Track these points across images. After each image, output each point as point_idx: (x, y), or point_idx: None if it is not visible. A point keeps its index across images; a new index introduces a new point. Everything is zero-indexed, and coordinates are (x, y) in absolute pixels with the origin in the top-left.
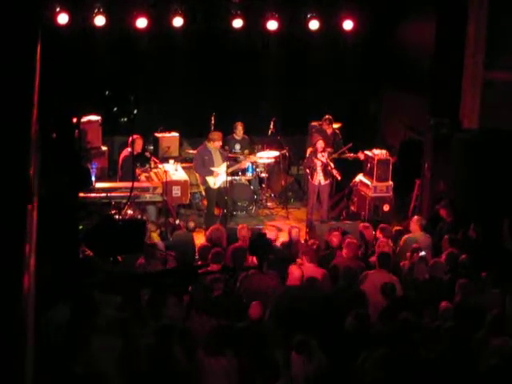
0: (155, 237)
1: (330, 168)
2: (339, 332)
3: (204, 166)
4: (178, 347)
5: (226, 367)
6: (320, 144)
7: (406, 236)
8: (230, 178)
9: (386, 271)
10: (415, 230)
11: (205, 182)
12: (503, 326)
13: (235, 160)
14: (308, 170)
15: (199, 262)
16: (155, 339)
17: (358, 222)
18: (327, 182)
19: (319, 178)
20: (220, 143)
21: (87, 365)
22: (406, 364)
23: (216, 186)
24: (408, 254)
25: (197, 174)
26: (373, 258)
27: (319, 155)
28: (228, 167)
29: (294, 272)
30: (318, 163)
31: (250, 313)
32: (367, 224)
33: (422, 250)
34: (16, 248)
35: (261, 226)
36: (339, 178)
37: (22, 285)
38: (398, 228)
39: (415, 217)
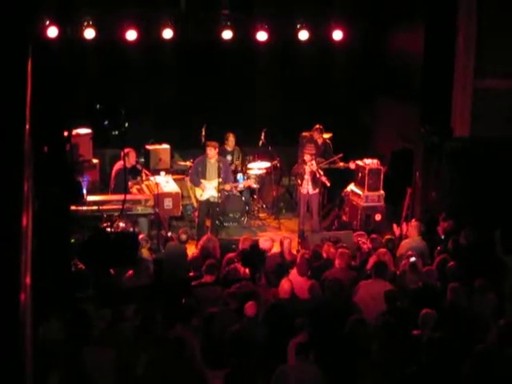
0: (145, 252)
1: (318, 175)
2: (327, 343)
3: (196, 176)
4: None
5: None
6: (310, 151)
7: (404, 242)
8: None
9: (383, 280)
10: (413, 235)
11: (193, 191)
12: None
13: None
14: (299, 180)
15: (191, 274)
16: (164, 352)
17: (351, 232)
18: (316, 191)
19: (308, 186)
20: (216, 152)
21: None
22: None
23: (202, 198)
24: (404, 261)
25: (189, 184)
26: (367, 267)
27: (308, 163)
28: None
29: (284, 285)
30: (307, 170)
31: (245, 311)
32: (363, 232)
33: (412, 256)
34: (12, 264)
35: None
36: (328, 185)
37: (19, 301)
38: (388, 237)
39: (414, 222)
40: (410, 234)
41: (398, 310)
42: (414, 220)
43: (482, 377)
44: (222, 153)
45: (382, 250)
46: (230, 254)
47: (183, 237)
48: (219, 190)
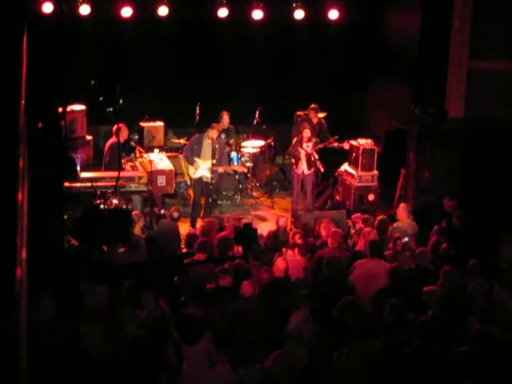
0: (138, 229)
1: (313, 159)
2: (327, 322)
3: (191, 154)
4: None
5: (203, 353)
6: (306, 133)
7: (394, 225)
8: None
9: (379, 259)
10: (403, 217)
11: (187, 168)
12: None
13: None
14: (293, 159)
15: (184, 250)
16: (146, 332)
17: (344, 211)
18: (311, 171)
19: (303, 167)
20: (217, 136)
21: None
22: (390, 356)
23: (195, 176)
24: (390, 244)
25: (183, 161)
26: (356, 247)
27: (304, 145)
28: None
29: (279, 264)
30: (303, 152)
31: (242, 291)
32: (359, 214)
33: (404, 237)
34: (8, 240)
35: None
36: (322, 170)
37: (15, 277)
38: (381, 217)
39: (402, 204)
40: (399, 217)
41: (400, 288)
42: (402, 202)
43: (476, 360)
44: None
45: (367, 229)
46: (222, 233)
47: (175, 214)
48: (212, 171)
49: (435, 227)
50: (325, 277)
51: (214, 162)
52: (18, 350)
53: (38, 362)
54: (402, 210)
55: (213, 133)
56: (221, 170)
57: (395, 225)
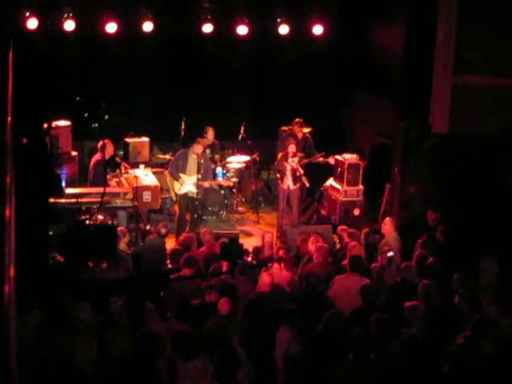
0: (123, 245)
1: (299, 174)
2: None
3: (176, 170)
4: (161, 359)
5: (200, 370)
6: (291, 148)
7: (382, 241)
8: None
9: (358, 274)
10: (388, 231)
11: (172, 184)
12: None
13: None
14: (278, 174)
15: (170, 266)
16: (137, 348)
17: (329, 226)
18: (296, 186)
19: (288, 182)
20: (202, 151)
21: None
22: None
23: (180, 192)
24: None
25: (168, 177)
26: (344, 262)
27: (289, 160)
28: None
29: (264, 279)
30: (288, 167)
31: (219, 308)
32: (345, 227)
33: (390, 251)
34: None
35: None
36: (308, 185)
37: (3, 293)
38: (366, 230)
39: (387, 218)
40: (385, 231)
41: (374, 305)
42: (387, 217)
43: (460, 373)
44: None
45: (352, 243)
46: (202, 248)
47: (163, 231)
48: (198, 187)
49: (418, 241)
50: (303, 292)
51: (200, 176)
52: (8, 364)
53: (27, 377)
54: (388, 225)
55: (198, 148)
56: (206, 184)
57: (384, 241)
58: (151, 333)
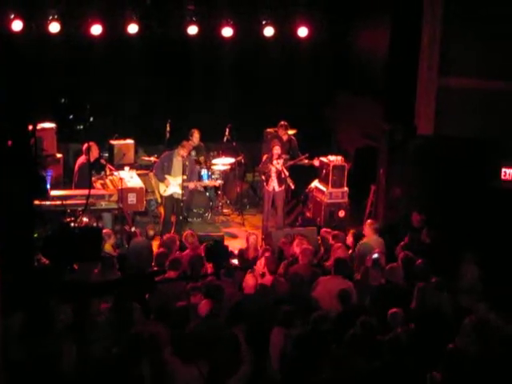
0: (108, 247)
1: (284, 176)
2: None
3: (161, 172)
4: (145, 359)
5: (197, 374)
6: (276, 150)
7: (360, 242)
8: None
9: (342, 277)
10: (369, 234)
11: (157, 186)
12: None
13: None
14: (263, 176)
15: (155, 268)
16: (123, 349)
17: (314, 228)
18: (281, 188)
19: (274, 184)
20: (187, 154)
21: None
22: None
23: (165, 194)
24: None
25: (153, 179)
26: (328, 263)
27: (274, 162)
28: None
29: (249, 281)
30: (273, 169)
31: (199, 310)
32: (329, 229)
33: (374, 253)
34: None
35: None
36: (293, 187)
37: None
38: (353, 231)
39: (368, 221)
40: (366, 233)
41: (353, 310)
42: (369, 219)
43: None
44: None
45: (337, 244)
46: (186, 251)
47: (151, 233)
48: (183, 188)
49: (400, 243)
50: (288, 293)
51: (185, 177)
52: None
53: (10, 379)
54: (368, 227)
55: (183, 151)
56: (191, 185)
57: (362, 241)
58: (137, 334)
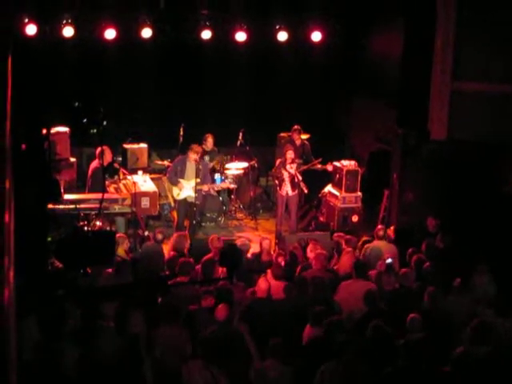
0: (121, 251)
1: (297, 180)
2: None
3: (175, 175)
4: (147, 359)
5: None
6: (290, 154)
7: (369, 245)
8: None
9: (363, 280)
10: (377, 238)
11: (171, 190)
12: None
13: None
14: (276, 181)
15: (167, 273)
16: (123, 351)
17: (328, 233)
18: (295, 192)
19: (287, 188)
20: (198, 157)
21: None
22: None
23: (179, 198)
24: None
25: (167, 183)
26: (336, 267)
27: (288, 166)
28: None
29: (261, 284)
30: (286, 174)
31: (216, 315)
32: (342, 234)
33: (388, 258)
34: None
35: (233, 238)
36: (306, 192)
37: (3, 297)
38: (365, 238)
39: (379, 226)
40: (376, 238)
41: (379, 311)
42: (379, 224)
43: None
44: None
45: (347, 249)
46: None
47: (159, 236)
48: (196, 191)
49: (415, 247)
50: (310, 297)
51: (198, 180)
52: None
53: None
54: (377, 232)
55: (195, 155)
56: (205, 188)
57: (371, 245)
58: (138, 336)
